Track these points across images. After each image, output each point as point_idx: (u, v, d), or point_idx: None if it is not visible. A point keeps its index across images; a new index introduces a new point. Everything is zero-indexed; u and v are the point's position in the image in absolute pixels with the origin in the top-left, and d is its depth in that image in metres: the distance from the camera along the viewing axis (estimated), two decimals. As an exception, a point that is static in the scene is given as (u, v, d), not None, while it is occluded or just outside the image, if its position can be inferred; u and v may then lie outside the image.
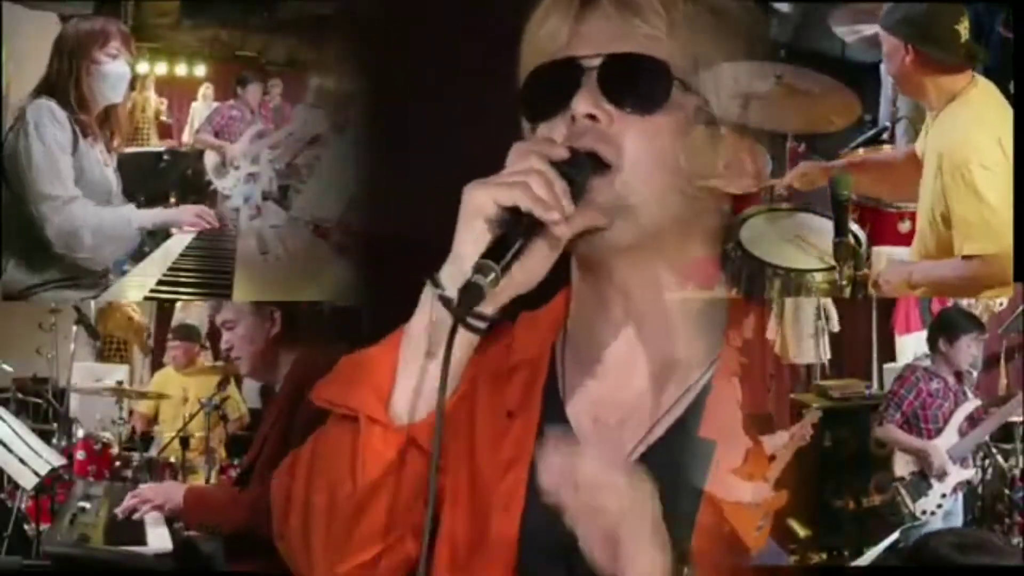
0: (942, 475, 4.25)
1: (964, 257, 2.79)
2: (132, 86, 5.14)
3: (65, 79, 3.14)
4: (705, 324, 1.11)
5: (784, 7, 4.12)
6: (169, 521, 3.21)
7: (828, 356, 6.11)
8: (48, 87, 3.15)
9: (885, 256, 3.05)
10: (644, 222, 1.04)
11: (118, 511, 3.13)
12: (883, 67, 3.90)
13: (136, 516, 3.06)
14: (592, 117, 1.02)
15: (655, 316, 1.08)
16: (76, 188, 3.17)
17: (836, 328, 6.08)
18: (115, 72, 3.22)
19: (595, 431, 1.08)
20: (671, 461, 1.04)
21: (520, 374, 1.13)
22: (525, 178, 0.97)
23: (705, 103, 1.08)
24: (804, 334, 6.06)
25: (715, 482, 1.03)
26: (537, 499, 0.99)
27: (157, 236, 3.70)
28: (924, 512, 4.26)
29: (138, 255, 3.65)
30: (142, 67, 5.21)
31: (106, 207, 3.28)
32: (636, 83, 1.04)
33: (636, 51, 1.04)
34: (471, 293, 0.95)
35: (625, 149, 1.03)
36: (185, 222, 3.58)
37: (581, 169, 1.00)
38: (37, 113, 3.11)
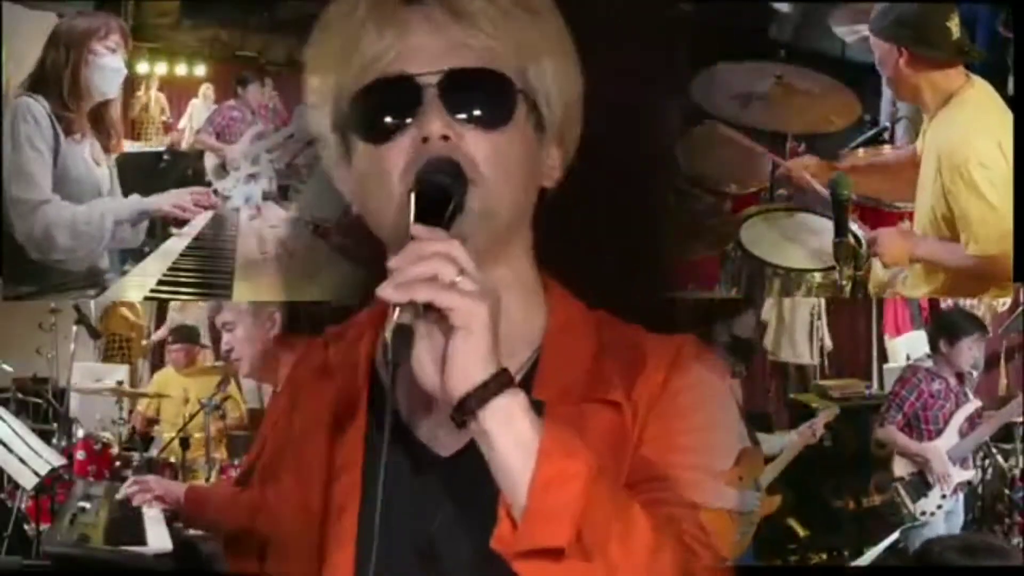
0: (943, 477, 4.25)
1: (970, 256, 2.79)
2: (134, 86, 5.16)
3: (60, 70, 3.08)
4: (531, 309, 1.09)
5: (784, 7, 4.12)
6: (169, 521, 3.21)
7: (819, 357, 6.13)
8: (39, 80, 3.09)
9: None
10: (499, 228, 1.03)
11: (119, 495, 3.13)
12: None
13: (136, 502, 3.06)
14: (445, 137, 0.99)
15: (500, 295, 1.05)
16: (49, 191, 3.09)
17: (829, 344, 6.08)
18: (112, 66, 3.17)
19: (431, 420, 1.05)
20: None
21: (340, 383, 1.12)
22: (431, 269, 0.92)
23: (534, 106, 1.06)
24: (798, 335, 6.07)
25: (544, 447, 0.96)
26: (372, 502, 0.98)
27: (157, 236, 3.69)
28: (924, 513, 4.26)
29: (138, 255, 3.64)
30: (142, 67, 5.21)
31: (79, 206, 3.19)
32: (480, 99, 1.01)
33: (475, 64, 1.01)
34: (402, 335, 0.92)
35: (479, 164, 1.00)
36: (164, 210, 3.43)
37: (456, 181, 0.98)
38: (13, 112, 3.06)
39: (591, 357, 1.07)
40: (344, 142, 1.07)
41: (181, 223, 3.65)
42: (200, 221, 3.72)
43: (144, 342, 6.64)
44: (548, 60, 1.06)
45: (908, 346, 5.97)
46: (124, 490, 3.08)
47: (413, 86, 1.01)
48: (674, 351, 1.09)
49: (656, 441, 1.05)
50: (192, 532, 3.33)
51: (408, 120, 1.01)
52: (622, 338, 1.10)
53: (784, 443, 4.07)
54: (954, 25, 2.81)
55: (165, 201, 3.40)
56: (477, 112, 1.01)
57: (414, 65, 1.01)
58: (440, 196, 0.97)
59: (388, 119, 1.01)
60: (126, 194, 3.39)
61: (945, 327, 4.50)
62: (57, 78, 3.08)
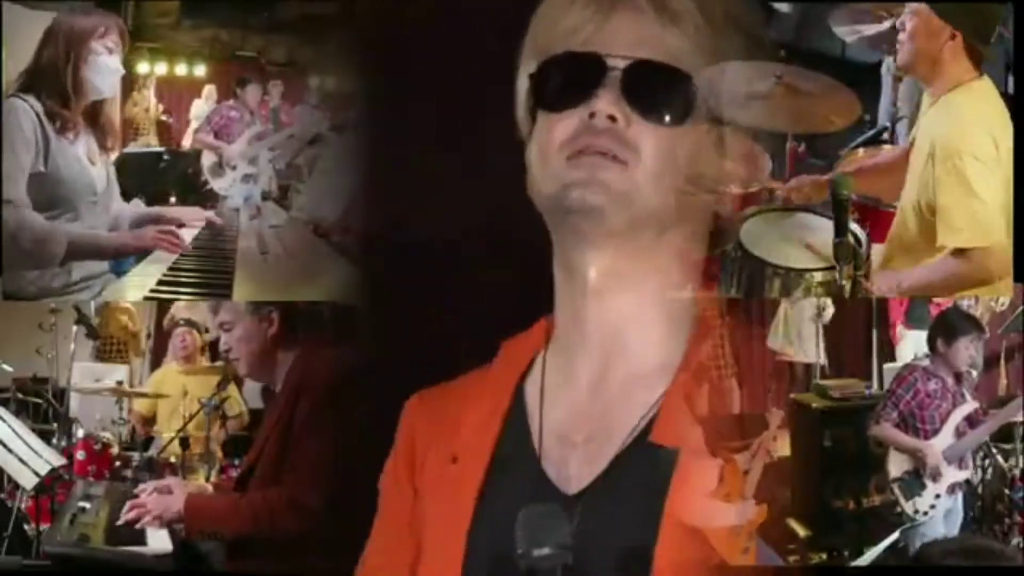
0: (936, 475, 4.25)
1: (952, 253, 2.79)
2: (133, 85, 5.16)
3: (57, 67, 3.01)
4: (672, 332, 1.08)
5: (784, 7, 4.12)
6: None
7: (824, 357, 6.13)
8: (33, 77, 3.02)
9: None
10: (639, 212, 1.03)
11: (119, 522, 3.12)
12: (884, 66, 3.92)
13: (138, 526, 3.05)
14: (612, 118, 1.02)
15: (626, 323, 1.06)
16: (18, 195, 2.94)
17: (827, 319, 6.08)
18: (109, 66, 3.10)
19: (559, 451, 1.05)
20: (632, 472, 1.02)
21: (480, 410, 1.11)
22: None
23: (716, 108, 1.08)
24: (803, 334, 6.07)
25: (688, 504, 1.00)
26: (476, 551, 1.00)
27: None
28: (918, 511, 4.26)
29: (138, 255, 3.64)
30: (142, 67, 5.21)
31: (76, 213, 3.06)
32: (661, 93, 1.04)
33: (664, 60, 1.04)
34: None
35: (641, 153, 1.02)
36: (140, 248, 3.27)
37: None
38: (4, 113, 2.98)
39: (716, 402, 1.08)
40: (531, 116, 1.10)
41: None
42: (199, 222, 3.72)
43: (142, 344, 6.63)
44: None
45: (917, 347, 5.97)
46: (123, 517, 3.05)
47: (600, 65, 1.03)
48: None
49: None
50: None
51: (586, 96, 1.03)
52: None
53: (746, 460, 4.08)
54: (998, 29, 2.85)
55: (146, 237, 3.23)
56: (654, 104, 1.03)
57: (606, 47, 1.03)
58: None
59: (568, 91, 1.04)
60: (124, 197, 3.37)
61: (942, 327, 4.51)
62: (54, 75, 3.01)
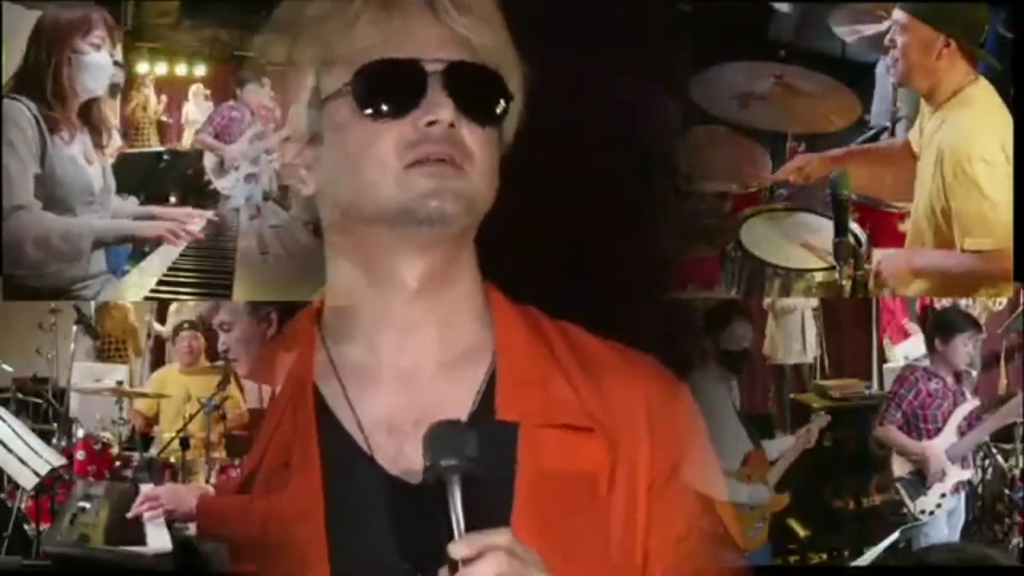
0: (940, 476, 4.26)
1: (964, 252, 2.79)
2: (132, 85, 5.16)
3: (43, 70, 2.95)
4: (477, 315, 1.10)
5: (784, 7, 4.12)
6: (169, 521, 3.21)
7: (815, 355, 6.14)
8: (23, 80, 2.97)
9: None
10: (472, 224, 1.06)
11: (129, 515, 3.11)
12: (880, 67, 3.91)
13: (147, 519, 3.05)
14: (452, 125, 1.02)
15: (439, 317, 1.07)
16: (28, 196, 2.94)
17: (813, 328, 6.10)
18: (97, 63, 3.04)
19: (390, 442, 1.04)
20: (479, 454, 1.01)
21: (287, 414, 1.12)
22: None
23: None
24: (790, 335, 6.08)
25: (537, 477, 1.01)
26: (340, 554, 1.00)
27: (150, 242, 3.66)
28: (924, 511, 4.26)
29: (138, 255, 3.64)
30: (142, 67, 5.22)
31: (72, 212, 3.04)
32: (480, 94, 1.04)
33: (474, 60, 1.04)
34: None
35: (475, 156, 1.03)
36: (150, 237, 3.31)
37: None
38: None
39: (549, 374, 1.08)
40: (316, 119, 1.08)
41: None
42: (200, 222, 3.71)
43: (141, 343, 6.63)
44: (514, 76, 1.08)
45: (907, 350, 5.98)
46: (135, 508, 3.05)
47: (419, 71, 1.03)
48: (642, 369, 1.11)
49: (665, 458, 1.07)
50: (192, 531, 3.32)
51: (414, 103, 1.03)
52: (578, 351, 1.10)
53: (782, 448, 4.09)
54: (987, 28, 2.85)
55: (157, 228, 3.27)
56: (477, 106, 1.04)
57: (419, 51, 1.03)
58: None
59: (392, 99, 1.03)
60: (126, 194, 3.36)
61: (939, 325, 4.51)
62: (40, 78, 2.96)
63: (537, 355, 1.08)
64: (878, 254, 2.88)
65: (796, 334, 6.09)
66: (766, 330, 6.04)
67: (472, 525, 0.96)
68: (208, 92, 5.30)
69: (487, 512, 0.98)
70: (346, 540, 1.01)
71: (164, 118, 5.58)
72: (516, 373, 1.06)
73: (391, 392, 1.07)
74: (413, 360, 1.07)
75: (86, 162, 3.06)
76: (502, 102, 1.06)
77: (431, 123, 1.02)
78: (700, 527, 1.05)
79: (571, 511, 1.02)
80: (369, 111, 1.03)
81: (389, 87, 1.03)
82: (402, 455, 1.04)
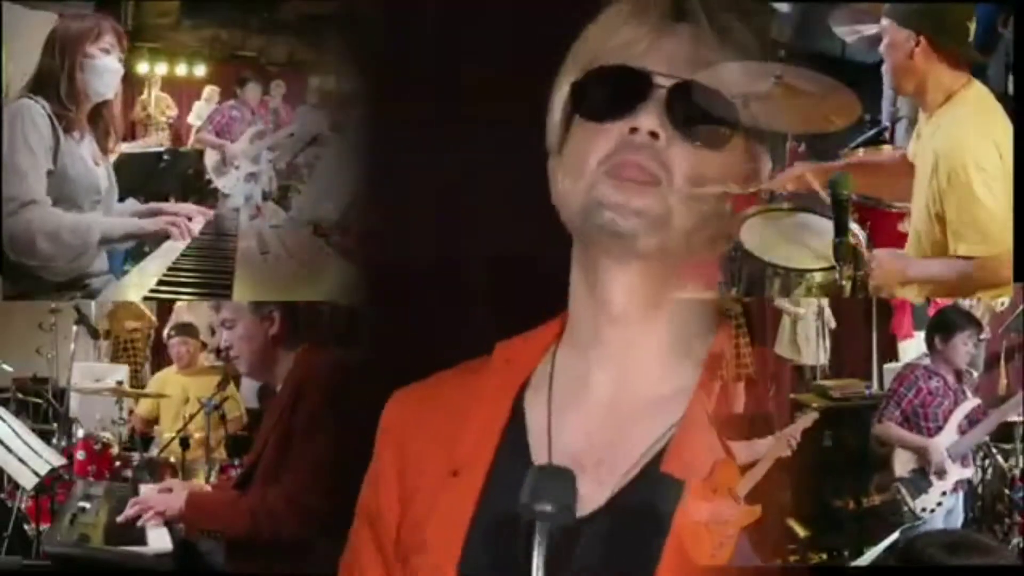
0: (941, 472, 4.26)
1: (958, 258, 2.79)
2: (136, 86, 5.16)
3: (57, 73, 3.07)
4: (688, 355, 1.07)
5: (784, 7, 4.12)
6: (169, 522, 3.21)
7: (827, 358, 6.13)
8: (38, 82, 3.09)
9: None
10: (669, 236, 1.02)
11: (120, 519, 3.12)
12: (885, 66, 3.91)
13: (139, 523, 3.06)
14: (654, 135, 1.00)
15: (647, 347, 1.05)
16: (41, 193, 3.05)
17: (833, 324, 6.10)
18: (107, 67, 3.15)
19: (576, 461, 1.02)
20: (639, 500, 1.01)
21: (477, 420, 1.08)
22: None
23: (754, 154, 1.08)
24: (804, 336, 6.08)
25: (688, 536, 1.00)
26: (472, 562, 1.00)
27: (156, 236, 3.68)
28: (924, 510, 4.27)
29: (138, 255, 3.64)
30: (142, 67, 5.22)
31: (79, 211, 3.13)
32: (703, 115, 1.03)
33: (712, 83, 1.03)
34: None
35: (675, 174, 1.01)
36: (155, 232, 3.38)
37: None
38: (11, 113, 3.05)
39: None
40: (565, 125, 1.07)
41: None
42: (202, 219, 3.72)
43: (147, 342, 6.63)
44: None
45: (918, 350, 5.98)
46: (124, 514, 3.06)
47: (646, 81, 1.01)
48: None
49: None
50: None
51: (628, 111, 1.01)
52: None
53: (759, 451, 4.08)
54: (972, 26, 2.83)
55: (159, 223, 3.36)
56: (695, 125, 1.02)
57: (656, 65, 1.02)
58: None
59: (611, 103, 1.02)
60: (124, 195, 3.38)
61: (939, 324, 4.52)
62: (54, 83, 3.08)
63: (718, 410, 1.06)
64: (876, 258, 2.88)
65: (813, 336, 6.10)
66: (780, 329, 6.03)
67: (613, 569, 0.97)
68: (219, 91, 5.30)
69: (630, 564, 0.98)
70: (476, 554, 1.00)
71: (167, 118, 5.58)
72: (696, 427, 1.03)
73: (591, 420, 1.05)
74: (615, 388, 1.05)
75: (93, 163, 3.15)
76: (727, 129, 1.04)
77: (633, 130, 1.00)
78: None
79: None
80: (584, 113, 1.03)
81: (608, 92, 1.02)
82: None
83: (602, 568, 0.99)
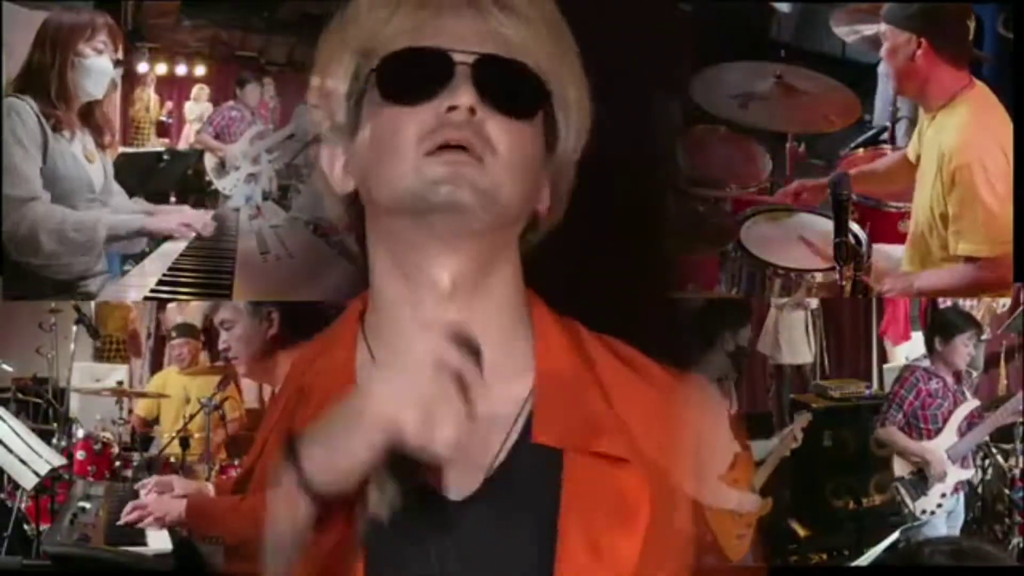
0: (941, 477, 4.26)
1: (966, 260, 2.79)
2: (134, 85, 5.15)
3: (46, 71, 3.02)
4: (518, 329, 1.07)
5: (784, 7, 4.12)
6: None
7: (813, 356, 6.14)
8: (26, 79, 3.04)
9: (885, 256, 3.06)
10: (498, 217, 1.02)
11: (120, 522, 3.12)
12: (881, 67, 3.91)
13: (140, 526, 3.06)
14: (472, 111, 1.00)
15: (482, 317, 1.03)
16: (39, 188, 3.02)
17: (811, 323, 6.11)
18: (98, 67, 3.10)
19: None
20: (517, 475, 1.00)
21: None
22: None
23: (553, 123, 1.06)
24: (796, 336, 6.08)
25: (584, 509, 0.99)
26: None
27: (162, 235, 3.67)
28: (924, 511, 4.27)
29: (138, 255, 3.64)
30: (142, 67, 5.21)
31: (74, 210, 3.11)
32: (511, 87, 1.02)
33: (509, 55, 1.03)
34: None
35: (497, 148, 1.01)
36: (163, 231, 3.40)
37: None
38: (3, 112, 3.01)
39: (590, 397, 1.05)
40: (355, 111, 1.07)
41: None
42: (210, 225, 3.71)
43: (142, 344, 6.63)
44: (572, 89, 1.07)
45: (909, 350, 5.99)
46: (124, 517, 3.06)
47: (447, 60, 1.02)
48: (681, 395, 1.09)
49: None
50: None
51: (437, 91, 1.01)
52: (621, 371, 1.08)
53: (769, 448, 4.09)
54: (971, 25, 2.83)
55: (169, 222, 3.38)
56: (506, 98, 1.02)
57: (450, 43, 1.02)
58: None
59: (417, 85, 1.02)
60: (126, 194, 3.38)
61: (939, 326, 4.51)
62: (43, 79, 3.03)
63: (577, 372, 1.05)
64: (882, 260, 2.89)
65: (801, 335, 6.09)
66: (764, 329, 6.03)
67: (513, 550, 0.96)
68: (210, 91, 5.30)
69: (528, 536, 0.98)
70: (379, 546, 0.98)
71: (164, 118, 5.58)
72: (552, 394, 1.03)
73: None
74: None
75: (86, 161, 3.12)
76: (535, 97, 1.04)
77: (451, 108, 1.00)
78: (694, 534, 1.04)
79: (623, 547, 0.99)
80: (391, 98, 1.03)
81: (414, 74, 1.02)
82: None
83: (492, 548, 0.99)
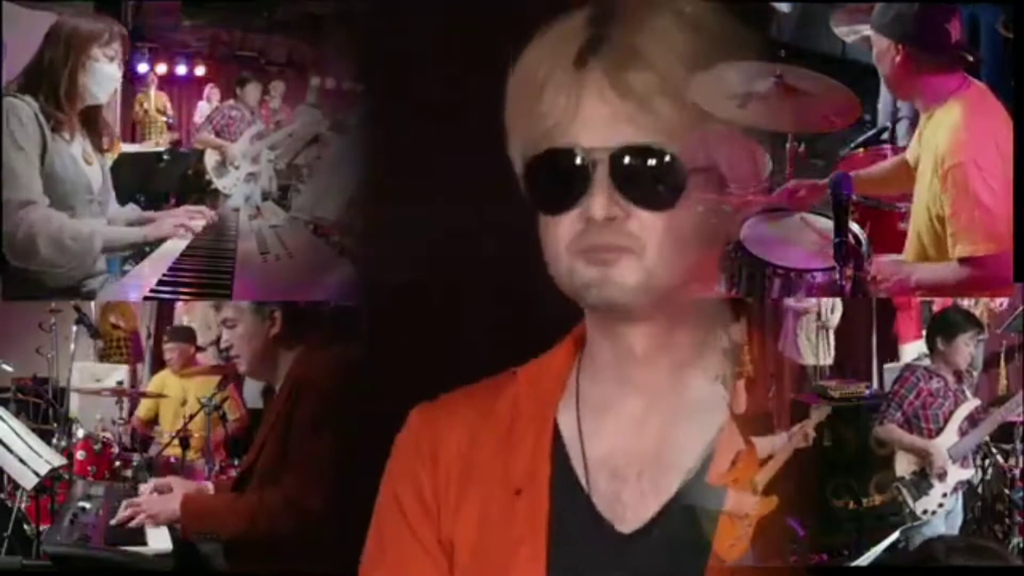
0: (942, 474, 4.26)
1: (960, 260, 2.79)
2: (136, 86, 5.16)
3: (58, 69, 3.04)
4: (707, 364, 1.10)
5: (784, 7, 4.12)
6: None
7: (831, 358, 6.13)
8: (32, 77, 3.05)
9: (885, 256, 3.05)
10: (658, 295, 1.03)
11: (114, 521, 3.13)
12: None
13: (133, 524, 3.06)
14: (611, 219, 1.01)
15: (673, 371, 1.07)
16: (37, 193, 3.03)
17: (833, 324, 6.10)
18: (107, 73, 3.14)
19: (610, 486, 1.05)
20: (686, 512, 1.04)
21: (526, 441, 1.10)
22: None
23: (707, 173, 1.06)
24: (805, 337, 6.07)
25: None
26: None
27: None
28: (925, 511, 4.27)
29: (138, 255, 3.64)
30: (143, 67, 5.22)
31: (72, 211, 3.12)
32: (648, 179, 1.01)
33: (645, 142, 1.01)
34: None
35: (645, 240, 1.01)
36: (165, 235, 3.43)
37: None
38: (3, 113, 3.01)
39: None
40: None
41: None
42: (201, 219, 3.71)
43: (142, 345, 6.63)
44: (718, 97, 1.08)
45: (919, 352, 5.98)
46: (118, 516, 3.07)
47: (583, 161, 1.01)
48: None
49: None
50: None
51: (578, 196, 1.01)
52: None
53: (776, 444, 4.09)
54: (954, 27, 2.82)
55: (163, 229, 3.40)
56: (645, 190, 1.01)
57: (584, 137, 1.01)
58: None
59: (560, 194, 1.02)
60: (124, 196, 3.38)
61: (941, 325, 4.51)
62: (53, 77, 3.04)
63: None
64: (877, 268, 2.88)
65: (820, 337, 6.10)
66: (783, 330, 6.03)
67: None
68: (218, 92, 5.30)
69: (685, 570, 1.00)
70: (558, 571, 1.02)
71: (164, 119, 5.57)
72: (735, 440, 1.08)
73: (619, 433, 1.07)
74: (645, 401, 1.07)
75: (85, 163, 3.13)
76: (675, 185, 1.02)
77: (590, 219, 1.01)
78: None
79: None
80: (541, 206, 1.04)
81: (554, 181, 1.02)
82: (619, 501, 1.04)
83: None
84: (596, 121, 1.01)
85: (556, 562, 1.03)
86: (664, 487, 1.04)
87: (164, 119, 5.41)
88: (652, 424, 1.06)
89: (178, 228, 3.38)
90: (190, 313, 5.91)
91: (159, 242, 3.45)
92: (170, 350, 5.59)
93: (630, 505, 1.02)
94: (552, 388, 1.12)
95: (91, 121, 3.16)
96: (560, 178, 1.02)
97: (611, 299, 1.01)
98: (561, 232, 1.02)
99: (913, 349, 6.14)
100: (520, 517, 1.06)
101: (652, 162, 1.01)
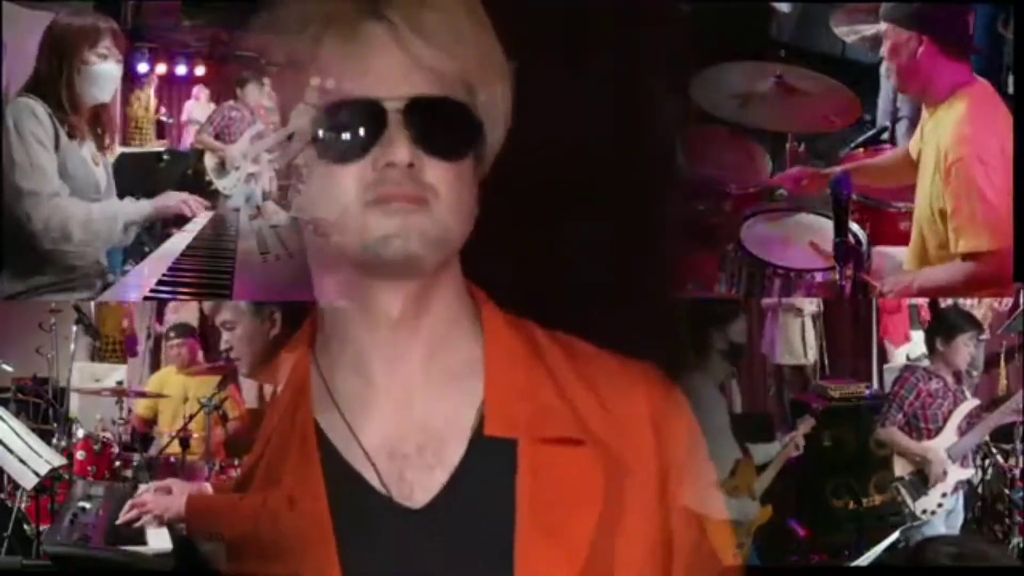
0: (942, 478, 4.26)
1: (963, 257, 2.79)
2: (134, 85, 5.16)
3: (54, 80, 3.07)
4: (467, 330, 1.08)
5: (784, 7, 4.12)
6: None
7: (815, 357, 6.13)
8: (36, 87, 3.08)
9: (886, 256, 3.06)
10: (448, 251, 1.04)
11: (118, 522, 3.12)
12: (882, 67, 3.92)
13: (136, 525, 3.06)
14: (411, 166, 0.99)
15: (429, 331, 1.05)
16: (58, 184, 3.08)
17: (812, 324, 6.11)
18: (105, 73, 3.14)
19: (391, 466, 1.03)
20: (476, 473, 1.02)
21: (291, 452, 1.11)
22: None
23: (483, 134, 1.05)
24: (791, 336, 6.08)
25: (542, 497, 1.01)
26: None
27: (156, 235, 3.69)
28: (925, 511, 4.27)
29: (138, 255, 3.64)
30: (142, 67, 5.22)
31: (94, 203, 3.18)
32: (444, 129, 1.01)
33: (439, 92, 1.01)
34: None
35: (439, 191, 1.00)
36: (171, 210, 3.49)
37: None
38: (16, 111, 3.04)
39: (540, 386, 1.06)
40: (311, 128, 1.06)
41: (182, 221, 3.66)
42: (200, 221, 3.72)
43: (140, 344, 6.62)
44: (499, 85, 1.05)
45: (909, 350, 5.98)
46: (123, 515, 3.07)
47: (378, 110, 1.00)
48: (642, 377, 1.09)
49: (674, 468, 1.06)
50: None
51: (371, 143, 1.00)
52: (574, 361, 1.08)
53: (770, 453, 4.09)
54: (972, 20, 2.84)
55: (169, 202, 3.48)
56: (440, 142, 1.01)
57: (379, 88, 1.00)
58: None
59: (351, 142, 1.00)
60: (123, 195, 3.39)
61: (941, 326, 4.51)
62: (53, 88, 3.08)
63: (528, 367, 1.06)
64: (884, 283, 2.89)
65: (797, 336, 6.09)
66: (779, 332, 6.03)
67: (475, 546, 0.97)
68: (209, 92, 5.30)
69: (490, 531, 0.99)
70: (357, 566, 1.01)
71: (163, 118, 5.58)
72: (503, 387, 1.04)
73: (388, 418, 1.05)
74: (405, 384, 1.05)
75: (93, 164, 3.16)
76: (469, 135, 1.03)
77: (389, 164, 0.99)
78: (700, 545, 1.05)
79: (577, 527, 1.00)
80: (330, 154, 1.01)
81: (347, 129, 1.01)
82: (403, 480, 1.03)
83: (456, 552, 1.00)
84: (390, 71, 1.00)
85: (352, 561, 1.01)
86: (448, 457, 1.02)
87: (161, 117, 5.41)
88: (417, 396, 1.04)
89: (182, 204, 3.46)
90: (178, 314, 5.89)
91: (169, 217, 3.59)
92: (176, 345, 5.57)
93: (416, 481, 1.01)
94: (294, 397, 1.12)
95: (97, 121, 3.20)
96: (354, 127, 1.00)
97: (412, 251, 0.99)
98: (351, 181, 1.00)
99: (904, 352, 6.14)
100: (303, 525, 1.08)
101: (445, 113, 1.01)
